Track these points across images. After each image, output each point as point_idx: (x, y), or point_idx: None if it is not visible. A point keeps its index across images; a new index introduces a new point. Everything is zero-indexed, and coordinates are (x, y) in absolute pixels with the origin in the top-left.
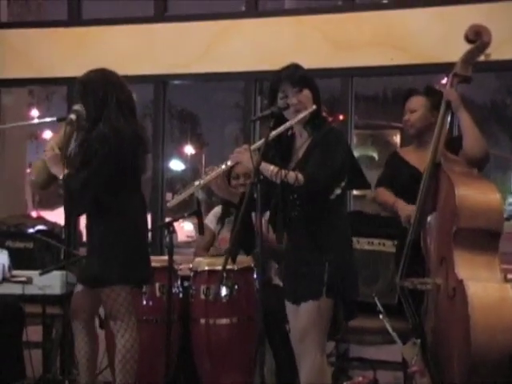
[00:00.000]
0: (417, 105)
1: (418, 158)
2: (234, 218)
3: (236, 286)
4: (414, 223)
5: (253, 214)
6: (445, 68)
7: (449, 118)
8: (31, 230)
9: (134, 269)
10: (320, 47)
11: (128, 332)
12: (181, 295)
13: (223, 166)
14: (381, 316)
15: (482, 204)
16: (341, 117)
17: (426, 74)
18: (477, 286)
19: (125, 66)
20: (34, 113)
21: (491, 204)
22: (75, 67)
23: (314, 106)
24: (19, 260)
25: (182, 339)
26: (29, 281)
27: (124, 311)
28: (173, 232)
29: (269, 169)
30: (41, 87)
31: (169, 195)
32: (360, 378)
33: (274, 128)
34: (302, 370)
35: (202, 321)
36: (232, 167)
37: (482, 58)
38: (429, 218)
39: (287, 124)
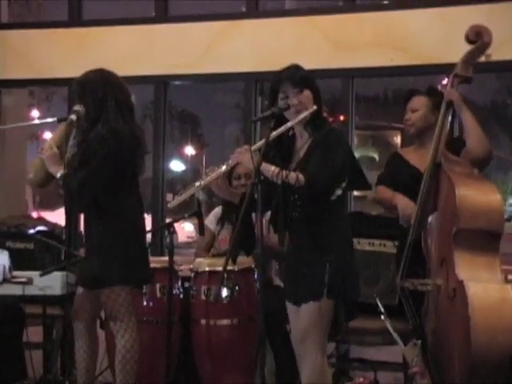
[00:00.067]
0: (418, 105)
1: (419, 159)
2: (235, 218)
3: (237, 287)
4: (414, 224)
5: (253, 215)
6: (445, 69)
7: (449, 119)
8: (32, 231)
9: (133, 269)
10: (320, 48)
11: (128, 332)
12: (181, 296)
13: (224, 167)
14: (382, 317)
15: (482, 205)
16: (341, 117)
17: (427, 75)
18: (477, 287)
19: (125, 67)
20: (35, 113)
21: (492, 205)
22: (76, 68)
23: (315, 107)
24: (20, 261)
25: (182, 340)
26: (29, 281)
27: (124, 312)
28: (173, 233)
29: (270, 169)
30: (41, 88)
31: (169, 196)
32: (361, 379)
33: (275, 129)
34: (303, 371)
35: (203, 321)
36: (233, 168)
37: (482, 58)
38: (429, 219)
39: (288, 124)
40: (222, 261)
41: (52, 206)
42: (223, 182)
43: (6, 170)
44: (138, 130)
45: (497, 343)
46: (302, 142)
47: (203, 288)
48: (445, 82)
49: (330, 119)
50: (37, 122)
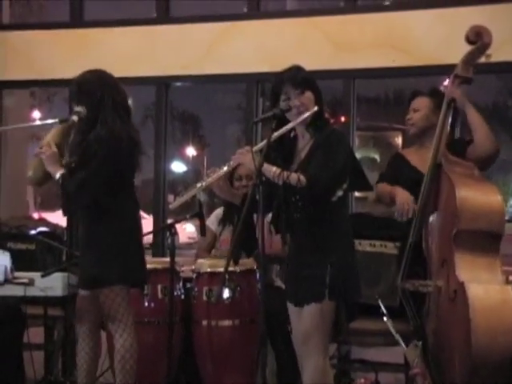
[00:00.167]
0: (420, 105)
1: (420, 159)
2: (236, 219)
3: (238, 288)
4: (415, 225)
5: (254, 216)
6: (447, 70)
7: (450, 119)
8: (33, 232)
9: (132, 269)
10: (322, 49)
11: (126, 332)
12: (183, 297)
13: (225, 168)
14: (385, 318)
15: (483, 206)
16: (343, 118)
17: (428, 76)
18: (478, 288)
19: (127, 68)
20: (36, 114)
21: (492, 205)
22: (77, 69)
23: (316, 108)
24: (21, 261)
25: (184, 341)
26: (31, 282)
27: (122, 311)
28: (175, 234)
29: (271, 170)
30: (42, 89)
31: (171, 197)
32: (362, 380)
33: (276, 130)
34: (305, 372)
35: (204, 323)
36: (234, 169)
37: (482, 59)
38: (430, 219)
39: (289, 125)
40: (223, 262)
41: (53, 207)
42: (224, 183)
43: (7, 170)
44: (135, 131)
45: (497, 344)
46: (304, 143)
47: (205, 289)
48: (446, 82)
49: (332, 120)
50: (38, 123)
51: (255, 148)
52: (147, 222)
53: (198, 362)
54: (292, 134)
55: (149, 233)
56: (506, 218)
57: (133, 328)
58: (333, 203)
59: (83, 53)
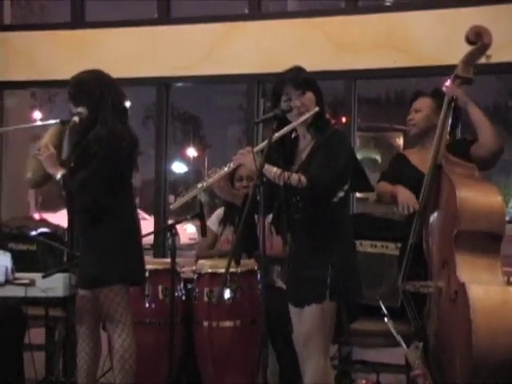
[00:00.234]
0: (422, 105)
1: (421, 160)
2: (237, 220)
3: (239, 289)
4: (415, 226)
5: (255, 216)
6: (448, 70)
7: (450, 120)
8: (34, 233)
9: (132, 269)
10: (323, 49)
11: (125, 332)
12: (184, 298)
13: (226, 169)
14: (386, 319)
15: (483, 206)
16: (343, 119)
17: (429, 77)
18: (478, 289)
19: (128, 69)
20: (37, 115)
21: (493, 206)
22: (78, 69)
23: (317, 108)
24: (22, 262)
25: (184, 342)
26: (32, 283)
27: (121, 311)
28: (175, 234)
29: (272, 171)
30: (43, 89)
31: (171, 198)
32: (363, 381)
33: (277, 130)
34: (306, 373)
35: (205, 323)
36: (235, 169)
37: (483, 59)
38: (431, 220)
39: (290, 126)
40: (224, 262)
41: (54, 208)
42: (225, 184)
43: (9, 171)
44: (133, 131)
45: (498, 345)
46: (305, 144)
47: (206, 290)
48: (447, 83)
49: (333, 121)
50: (39, 123)
51: (256, 148)
52: (148, 223)
53: (198, 362)
54: (293, 135)
55: (149, 233)
56: (507, 218)
57: (131, 328)
58: (334, 204)
59: (84, 53)
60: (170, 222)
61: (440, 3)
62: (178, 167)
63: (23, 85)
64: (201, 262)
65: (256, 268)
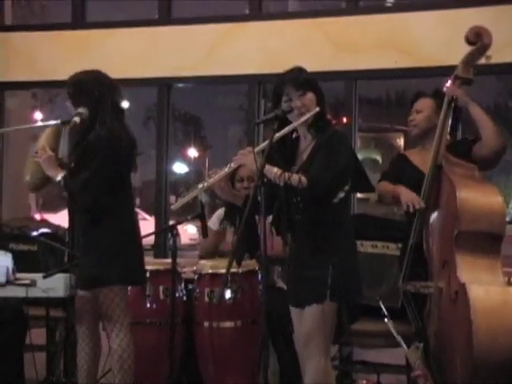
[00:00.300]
0: (423, 106)
1: (422, 160)
2: (238, 220)
3: (240, 289)
4: (415, 225)
5: (256, 217)
6: (449, 71)
7: (450, 120)
8: (35, 233)
9: (132, 269)
10: (324, 50)
11: (122, 332)
12: (184, 298)
13: (227, 169)
14: (386, 320)
15: (483, 207)
16: (344, 119)
17: (430, 77)
18: (479, 290)
19: (129, 69)
20: (38, 115)
21: (493, 207)
22: (79, 70)
23: (317, 109)
24: (23, 263)
25: (185, 342)
26: (32, 283)
27: (119, 312)
28: (176, 235)
29: (272, 171)
30: (44, 90)
31: (172, 198)
32: (364, 381)
33: (278, 131)
34: (307, 374)
35: (206, 324)
36: (236, 170)
37: (483, 60)
38: (431, 220)
39: (290, 126)
40: (224, 263)
41: (55, 208)
42: (226, 184)
43: (9, 171)
44: (131, 131)
45: (498, 345)
46: (306, 144)
47: (206, 290)
48: (448, 84)
49: (333, 121)
50: (40, 124)
51: (257, 149)
52: (149, 223)
53: (199, 363)
54: (294, 136)
55: (150, 234)
56: (507, 219)
57: (128, 328)
58: (334, 205)
59: (85, 54)
60: (171, 222)
61: (441, 4)
62: (179, 168)
63: (24, 85)
64: (201, 262)
65: (257, 268)
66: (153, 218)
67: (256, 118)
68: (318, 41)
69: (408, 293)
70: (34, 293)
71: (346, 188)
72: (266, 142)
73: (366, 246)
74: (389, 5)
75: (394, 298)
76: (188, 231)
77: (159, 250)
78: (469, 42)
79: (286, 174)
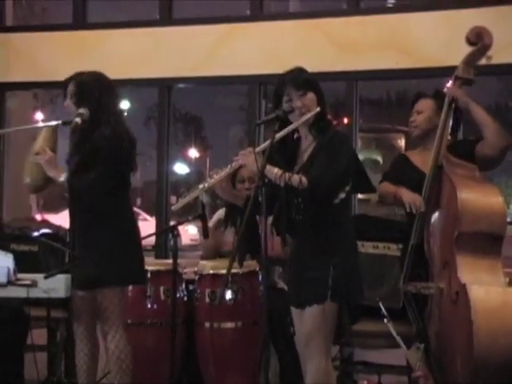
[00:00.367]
0: (424, 107)
1: (424, 161)
2: (239, 221)
3: (241, 290)
4: (416, 226)
5: (258, 217)
6: (450, 72)
7: (451, 121)
8: (36, 234)
9: (132, 270)
10: (325, 50)
11: (119, 333)
12: (185, 299)
13: (228, 169)
14: (385, 320)
15: (484, 207)
16: (345, 120)
17: (431, 78)
18: (479, 290)
19: (130, 70)
20: (39, 116)
21: (493, 207)
22: (80, 70)
23: (318, 108)
24: (24, 263)
25: (186, 343)
26: (33, 284)
27: (117, 313)
28: (177, 235)
29: (273, 172)
30: (45, 90)
31: (173, 198)
32: (365, 382)
33: (279, 132)
34: (307, 374)
35: (207, 324)
36: (237, 170)
37: (483, 60)
38: (432, 221)
39: (291, 126)
40: (225, 263)
41: (56, 209)
42: (227, 185)
43: (10, 172)
44: (130, 132)
45: (499, 346)
46: (307, 145)
47: (207, 291)
48: (448, 84)
49: (334, 122)
50: (41, 124)
51: (258, 149)
52: (150, 224)
53: (200, 363)
54: (295, 136)
55: (151, 234)
56: (508, 219)
57: (123, 329)
58: (335, 205)
59: (86, 54)
60: (172, 223)
61: (441, 5)
62: (180, 168)
63: (24, 86)
64: (202, 262)
65: (257, 269)
66: (154, 218)
67: (257, 118)
68: (319, 41)
69: (409, 293)
70: (35, 293)
71: (347, 189)
72: (267, 143)
73: (366, 247)
74: (389, 5)
75: (394, 298)
76: (189, 232)
77: (160, 250)
78: (469, 42)
79: (287, 175)
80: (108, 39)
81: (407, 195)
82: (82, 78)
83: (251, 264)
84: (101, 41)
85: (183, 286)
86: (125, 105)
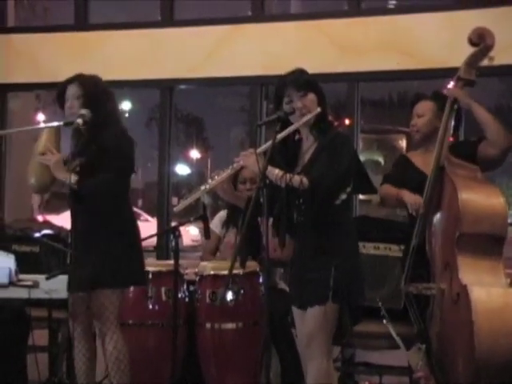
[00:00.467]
0: (424, 109)
1: (425, 162)
2: (241, 222)
3: (242, 291)
4: (417, 227)
5: (259, 219)
6: (451, 73)
7: (453, 122)
8: (37, 234)
9: (132, 271)
10: (326, 52)
11: (116, 333)
12: (187, 299)
13: (229, 171)
14: (385, 321)
15: (485, 208)
16: (347, 121)
17: (433, 79)
18: (481, 291)
19: (131, 71)
20: (41, 117)
21: (495, 208)
22: (81, 71)
23: (319, 109)
24: (25, 264)
25: (187, 343)
26: (35, 285)
27: (116, 313)
28: (179, 236)
29: (274, 172)
30: (47, 91)
31: (175, 200)
32: (366, 383)
33: (280, 133)
34: (309, 374)
35: (208, 325)
36: (238, 172)
37: (485, 61)
38: (433, 222)
39: (292, 127)
40: (226, 264)
41: (57, 210)
42: (228, 186)
43: (12, 173)
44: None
45: (500, 346)
46: (308, 146)
47: (208, 291)
48: (449, 85)
49: (336, 123)
50: (43, 125)
51: (259, 150)
52: (151, 225)
53: (201, 364)
54: (297, 137)
55: (153, 235)
56: (510, 220)
57: (119, 329)
58: (336, 206)
59: (87, 55)
60: (173, 224)
61: (443, 6)
62: (181, 169)
63: (27, 87)
64: (203, 263)
65: (258, 270)
66: (155, 219)
67: (258, 119)
68: (321, 43)
69: (410, 294)
70: (37, 294)
71: (348, 189)
72: (268, 144)
73: (368, 248)
74: (391, 7)
75: (396, 299)
76: (190, 232)
77: (161, 251)
78: (472, 43)
79: (288, 176)
80: (110, 40)
81: (409, 197)
82: (88, 80)
83: (252, 265)
84: (102, 42)
85: (184, 286)
86: (126, 106)
